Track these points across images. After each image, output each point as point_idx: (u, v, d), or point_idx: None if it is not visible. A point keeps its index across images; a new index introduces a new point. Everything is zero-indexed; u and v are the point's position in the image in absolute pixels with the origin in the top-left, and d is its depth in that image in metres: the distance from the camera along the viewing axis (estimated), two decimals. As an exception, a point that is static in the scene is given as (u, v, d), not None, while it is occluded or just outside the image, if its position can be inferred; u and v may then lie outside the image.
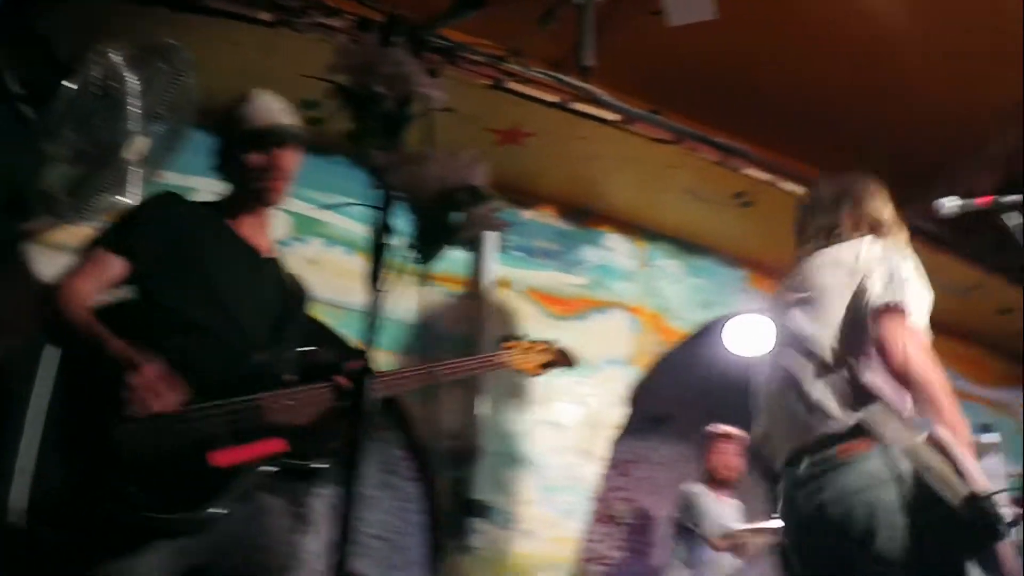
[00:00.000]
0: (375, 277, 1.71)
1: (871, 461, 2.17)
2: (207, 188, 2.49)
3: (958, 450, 2.10)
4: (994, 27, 3.68)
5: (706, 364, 5.32)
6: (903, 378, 2.21)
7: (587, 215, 4.44)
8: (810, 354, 2.35)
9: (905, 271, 2.32)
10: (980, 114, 4.12)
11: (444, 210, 1.86)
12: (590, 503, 4.17)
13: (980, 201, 2.28)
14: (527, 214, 4.28)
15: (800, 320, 2.41)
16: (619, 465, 5.57)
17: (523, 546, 3.80)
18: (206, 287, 2.18)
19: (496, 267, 4.04)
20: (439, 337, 3.83)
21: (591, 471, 4.16)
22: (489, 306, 3.94)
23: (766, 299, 4.90)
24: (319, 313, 3.31)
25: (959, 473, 2.07)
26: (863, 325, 2.29)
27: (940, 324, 2.43)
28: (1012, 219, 2.27)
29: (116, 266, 2.15)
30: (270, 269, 2.37)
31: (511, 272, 4.12)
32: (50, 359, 2.00)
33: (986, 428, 4.03)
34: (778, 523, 2.47)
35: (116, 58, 2.69)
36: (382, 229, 1.75)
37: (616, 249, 4.51)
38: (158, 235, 2.19)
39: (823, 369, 2.32)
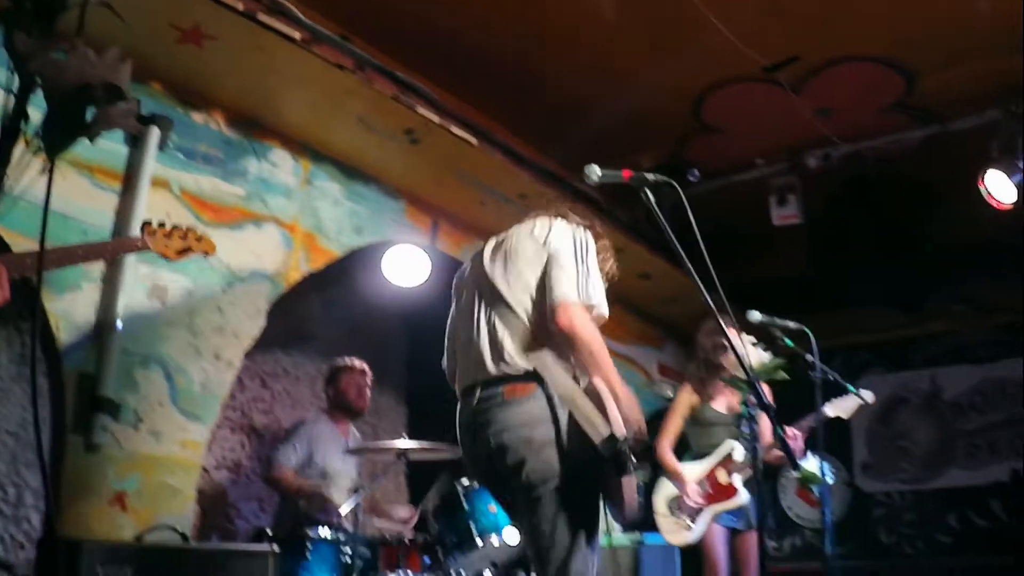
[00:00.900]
0: (2, 159, 1.69)
1: (531, 402, 2.60)
2: None
3: (608, 399, 2.54)
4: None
5: (354, 288, 5.54)
6: (569, 337, 2.61)
7: (255, 127, 4.39)
8: (499, 302, 2.73)
9: (579, 254, 2.71)
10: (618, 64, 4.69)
11: (77, 104, 1.84)
12: (224, 411, 4.20)
13: (625, 174, 2.57)
14: (197, 116, 4.14)
15: (498, 274, 2.78)
16: (259, 376, 5.64)
17: (151, 447, 3.78)
18: None
19: (154, 165, 3.89)
20: (82, 225, 3.64)
21: (227, 379, 4.17)
22: (139, 203, 3.80)
23: (426, 234, 5.23)
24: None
25: (606, 418, 2.50)
26: (543, 290, 2.69)
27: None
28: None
29: None
30: None
31: (169, 172, 3.99)
32: None
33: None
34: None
35: None
36: (14, 113, 1.72)
37: (280, 165, 4.50)
38: None
39: (508, 318, 2.70)
